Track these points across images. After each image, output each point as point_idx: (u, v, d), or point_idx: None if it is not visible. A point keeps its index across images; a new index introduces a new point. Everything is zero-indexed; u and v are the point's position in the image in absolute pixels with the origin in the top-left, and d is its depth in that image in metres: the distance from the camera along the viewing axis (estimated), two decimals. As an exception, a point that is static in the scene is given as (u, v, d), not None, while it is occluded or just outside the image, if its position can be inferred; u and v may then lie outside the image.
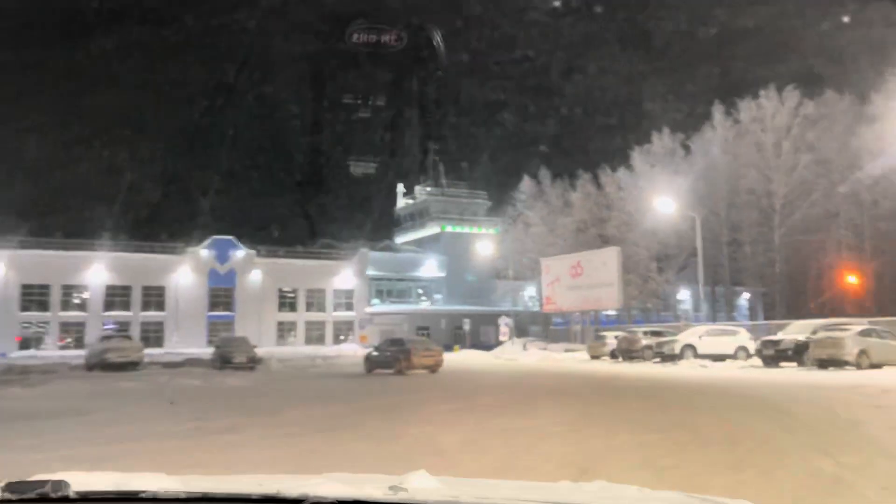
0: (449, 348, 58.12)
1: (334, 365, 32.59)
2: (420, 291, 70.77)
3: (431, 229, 72.30)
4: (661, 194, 37.33)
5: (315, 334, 60.96)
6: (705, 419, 10.21)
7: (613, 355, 32.05)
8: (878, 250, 43.86)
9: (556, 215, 51.18)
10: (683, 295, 66.76)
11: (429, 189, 74.36)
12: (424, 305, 67.92)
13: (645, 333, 31.08)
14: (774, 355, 23.59)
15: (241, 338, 32.89)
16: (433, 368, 24.05)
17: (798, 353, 22.93)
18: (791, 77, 45.29)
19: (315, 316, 60.87)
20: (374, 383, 20.39)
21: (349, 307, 62.20)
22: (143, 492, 1.67)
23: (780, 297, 45.67)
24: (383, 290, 67.99)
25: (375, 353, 25.67)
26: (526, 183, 54.77)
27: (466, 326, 50.71)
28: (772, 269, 46.18)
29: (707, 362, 26.33)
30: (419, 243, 73.54)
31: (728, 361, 26.90)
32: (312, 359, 34.86)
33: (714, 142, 48.12)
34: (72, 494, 1.64)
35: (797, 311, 46.96)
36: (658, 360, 28.59)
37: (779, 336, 23.93)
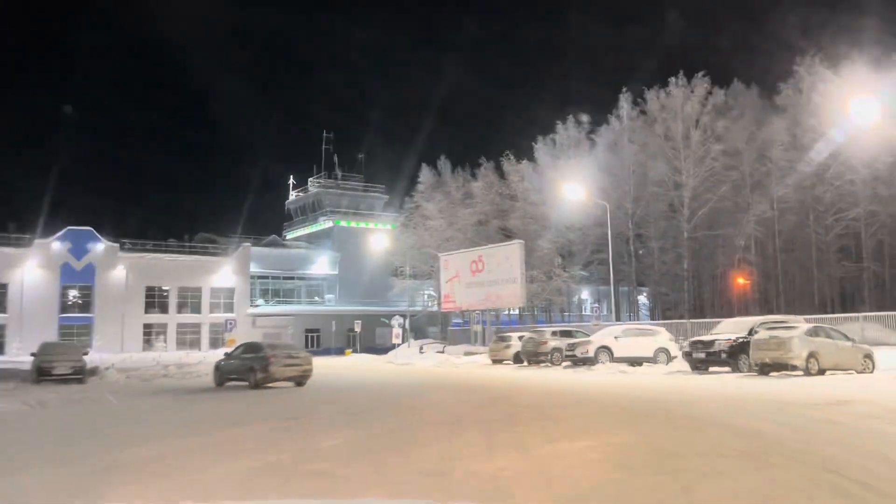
0: (340, 352, 53.07)
1: (190, 373, 26.90)
2: (311, 291, 65.28)
3: (323, 224, 66.86)
4: (567, 184, 33.65)
5: (189, 338, 54.31)
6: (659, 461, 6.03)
7: (518, 359, 28.01)
8: (787, 247, 41.98)
9: (456, 207, 46.96)
10: (585, 294, 64.28)
11: (321, 181, 68.87)
12: (316, 306, 62.37)
13: (553, 334, 27.10)
14: (705, 359, 20.02)
15: (65, 343, 26.94)
16: (299, 380, 19.07)
17: (733, 355, 19.42)
18: (700, 68, 42.86)
19: (189, 318, 54.23)
20: (205, 404, 15.25)
21: (229, 308, 55.88)
22: None
23: (688, 295, 43.15)
24: (269, 289, 62.01)
25: (230, 362, 20.33)
26: (424, 172, 50.36)
27: (357, 328, 45.73)
28: (679, 266, 43.63)
29: (625, 367, 22.58)
30: (311, 239, 67.93)
31: (646, 366, 23.29)
32: (165, 367, 28.95)
33: (622, 132, 45.26)
34: None
35: (701, 311, 44.55)
36: (569, 364, 24.70)
37: (710, 336, 20.34)
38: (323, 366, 37.57)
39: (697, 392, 14.63)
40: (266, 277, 61.28)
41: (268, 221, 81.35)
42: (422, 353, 42.57)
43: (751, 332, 19.73)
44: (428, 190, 49.64)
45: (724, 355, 19.50)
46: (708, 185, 41.95)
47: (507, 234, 42.60)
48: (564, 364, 25.21)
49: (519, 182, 42.54)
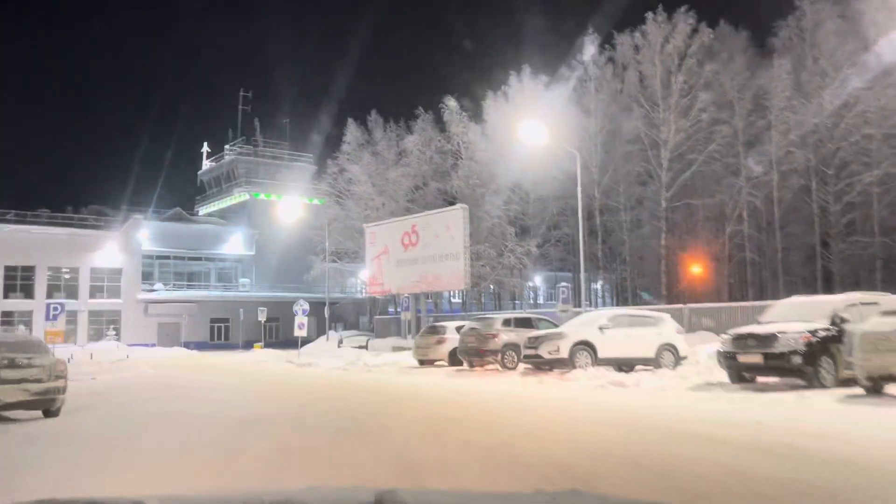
0: (250, 346, 43.96)
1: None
2: (223, 274, 55.72)
3: (239, 197, 57.36)
4: (526, 124, 25.22)
5: (66, 329, 44.26)
6: None
7: (455, 359, 19.62)
8: (787, 218, 34.51)
9: (387, 170, 38.24)
10: (538, 281, 56.31)
11: (238, 148, 59.24)
12: (225, 292, 52.89)
13: (506, 323, 18.49)
14: (763, 365, 11.89)
15: None
16: (46, 405, 10.23)
17: (812, 360, 11.36)
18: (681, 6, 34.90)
19: (66, 304, 44.14)
20: None
21: (115, 292, 46.08)
22: None
23: (666, 277, 35.35)
24: (171, 271, 52.23)
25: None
26: (351, 129, 41.36)
27: (262, 317, 36.71)
28: (655, 242, 35.85)
29: (620, 376, 14.37)
30: (225, 215, 58.32)
31: (644, 371, 15.18)
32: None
33: (586, 82, 37.14)
34: None
35: (677, 298, 36.85)
36: (529, 367, 16.38)
37: (770, 327, 12.13)
38: (194, 365, 28.74)
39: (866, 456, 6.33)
40: (167, 258, 51.52)
41: (180, 197, 70.69)
42: (340, 347, 33.90)
43: (834, 322, 11.70)
44: (355, 150, 40.77)
45: (797, 359, 11.37)
46: (693, 142, 34.21)
47: (448, 201, 34.10)
48: (522, 367, 16.87)
49: (462, 134, 33.99)
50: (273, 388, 16.39)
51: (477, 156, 33.12)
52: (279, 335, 51.54)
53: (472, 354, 18.10)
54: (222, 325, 49.91)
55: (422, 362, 20.64)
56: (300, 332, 27.96)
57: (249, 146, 58.65)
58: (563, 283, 22.52)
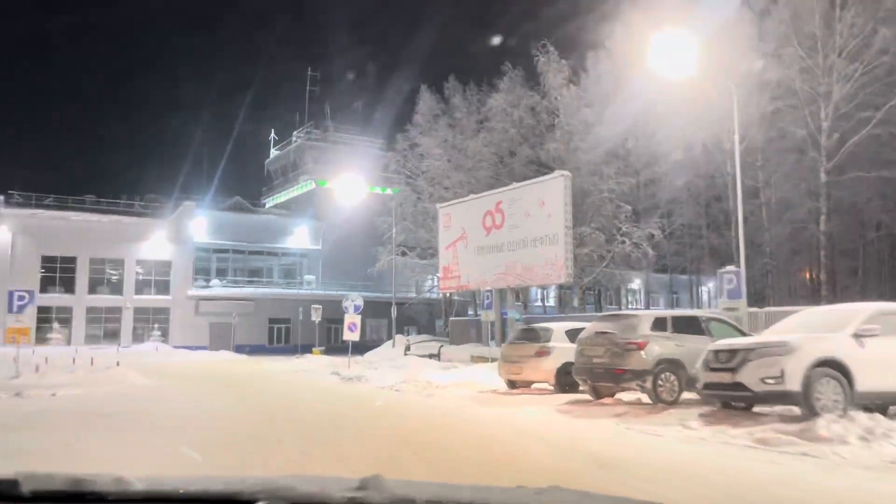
0: (307, 349, 37.82)
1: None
2: (287, 270, 50.13)
3: (304, 186, 51.60)
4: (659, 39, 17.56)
5: (107, 328, 39.49)
6: None
7: (565, 381, 12.32)
8: None
9: (465, 140, 31.27)
10: (635, 284, 48.12)
11: (306, 134, 53.64)
12: (287, 289, 47.17)
13: (659, 325, 10.71)
14: None
15: None
16: None
17: None
18: None
19: (105, 300, 39.32)
20: None
21: (163, 288, 40.94)
22: (99, 492, 1.63)
23: (825, 271, 26.82)
24: (229, 266, 46.95)
25: None
26: (424, 98, 34.63)
27: (316, 316, 30.30)
28: (814, 227, 27.43)
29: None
30: (290, 206, 52.76)
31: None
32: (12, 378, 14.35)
33: (721, 24, 28.98)
34: (25, 493, 1.59)
35: (835, 297, 28.05)
36: (714, 404, 9.00)
37: None
38: (219, 375, 22.64)
39: None
40: (226, 251, 46.26)
41: (248, 189, 65.24)
42: (406, 355, 27.12)
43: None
44: (428, 122, 34.02)
45: None
46: (866, 96, 25.72)
47: (542, 171, 26.68)
48: (702, 410, 9.37)
49: (562, 87, 26.47)
50: (278, 422, 9.61)
51: (579, 115, 25.61)
52: (341, 338, 45.69)
53: (599, 376, 10.67)
54: (282, 326, 44.10)
55: (512, 384, 13.38)
56: (351, 336, 21.23)
57: (318, 131, 52.94)
58: (730, 268, 14.75)
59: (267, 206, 55.67)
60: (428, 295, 50.33)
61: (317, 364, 26.44)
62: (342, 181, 49.81)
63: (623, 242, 24.13)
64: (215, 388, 16.87)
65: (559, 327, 13.04)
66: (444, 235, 28.38)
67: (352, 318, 21.21)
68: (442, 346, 27.18)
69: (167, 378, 19.70)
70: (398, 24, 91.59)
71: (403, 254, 34.82)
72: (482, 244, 26.06)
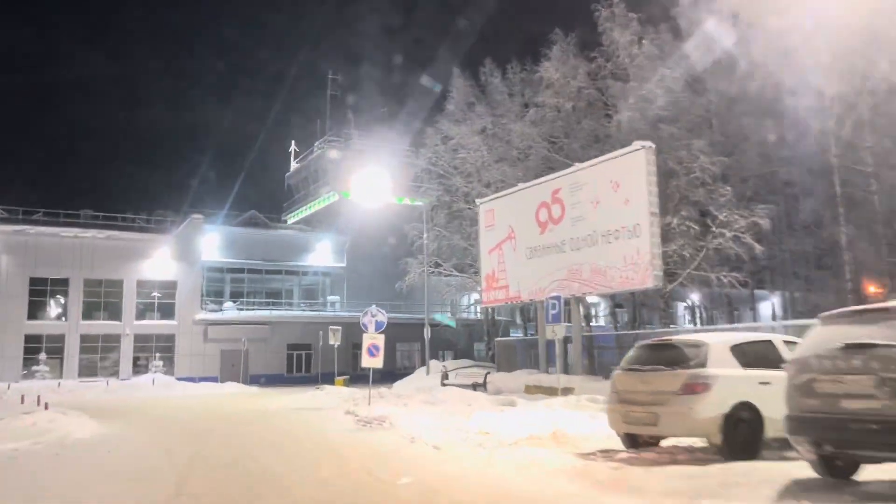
0: (329, 378, 32.46)
1: None
2: (308, 290, 45.11)
3: (328, 199, 46.69)
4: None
5: (104, 357, 34.63)
6: None
7: (738, 438, 6.82)
8: None
9: (508, 122, 25.98)
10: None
11: (328, 143, 48.88)
12: (309, 311, 42.07)
13: None
14: None
15: None
16: None
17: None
18: None
19: (102, 326, 34.52)
20: None
21: (168, 312, 36.07)
22: None
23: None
24: (243, 288, 42.03)
25: None
26: (457, 86, 29.47)
27: (335, 340, 24.97)
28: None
29: None
30: (312, 220, 47.88)
31: None
32: None
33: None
34: None
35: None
36: None
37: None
38: (201, 413, 17.52)
39: None
40: (240, 270, 41.35)
41: (267, 205, 59.72)
42: (444, 385, 21.67)
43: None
44: (462, 110, 28.84)
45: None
46: None
47: (607, 152, 21.13)
48: None
49: (632, 44, 20.86)
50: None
51: (657, 77, 20.07)
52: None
53: (862, 437, 5.14)
54: (302, 353, 38.88)
55: (632, 441, 7.79)
56: (371, 361, 15.85)
57: (339, 139, 48.16)
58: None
59: (288, 222, 50.92)
60: (465, 315, 44.98)
61: (335, 398, 20.98)
62: (367, 191, 44.82)
63: (718, 237, 18.44)
64: (175, 440, 11.61)
65: (719, 341, 7.50)
66: (487, 237, 23.02)
67: (372, 339, 15.85)
68: (488, 373, 21.67)
69: (126, 422, 14.54)
70: (423, 16, 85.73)
71: (437, 265, 29.45)
72: (535, 244, 20.67)
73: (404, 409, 15.46)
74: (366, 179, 44.95)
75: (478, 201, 23.46)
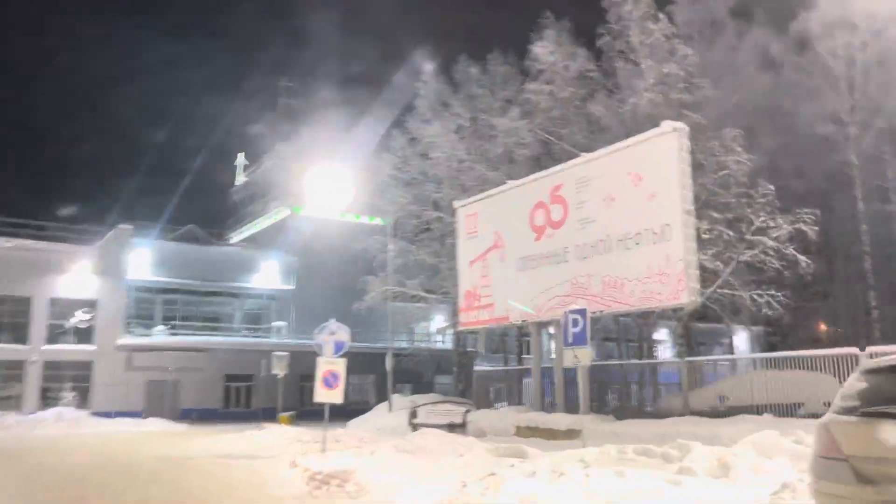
0: (272, 414, 27.83)
1: None
2: (251, 315, 40.42)
3: (276, 214, 42.41)
4: None
5: (6, 388, 29.37)
6: None
7: None
8: None
9: (490, 116, 22.47)
10: (661, 333, 39.06)
11: (278, 154, 44.71)
12: (252, 338, 37.41)
13: None
14: None
15: None
16: None
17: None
18: None
19: (2, 351, 29.35)
20: None
21: (86, 336, 31.09)
22: None
23: None
24: (178, 311, 37.17)
25: None
26: (428, 84, 25.92)
27: (280, 369, 20.69)
28: None
29: None
30: (259, 238, 43.40)
31: None
32: None
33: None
34: None
35: None
36: None
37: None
38: (115, 462, 13.07)
39: None
40: (175, 290, 36.49)
41: (212, 224, 53.83)
42: (414, 425, 17.65)
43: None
44: (431, 108, 25.27)
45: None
46: None
47: (605, 138, 17.68)
48: None
49: (647, 18, 17.51)
50: None
51: (677, 56, 16.78)
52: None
53: None
54: (242, 385, 34.17)
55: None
56: (328, 395, 11.83)
57: (292, 150, 43.97)
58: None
59: (231, 241, 46.28)
60: (432, 343, 40.99)
61: (279, 440, 16.58)
62: (321, 207, 40.69)
63: (755, 246, 15.02)
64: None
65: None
66: (467, 246, 19.26)
67: (330, 365, 11.83)
68: (468, 410, 17.71)
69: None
70: (387, 11, 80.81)
71: (401, 284, 25.51)
72: (529, 253, 16.98)
73: (371, 459, 11.45)
74: (320, 193, 40.82)
75: (456, 204, 19.72)
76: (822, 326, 28.77)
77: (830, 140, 20.49)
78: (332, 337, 12.09)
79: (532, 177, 17.43)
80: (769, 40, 17.80)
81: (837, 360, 11.93)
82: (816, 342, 23.81)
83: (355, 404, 36.86)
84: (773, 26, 17.82)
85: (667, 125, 13.73)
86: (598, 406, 16.98)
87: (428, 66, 25.82)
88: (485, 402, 20.39)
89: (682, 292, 13.35)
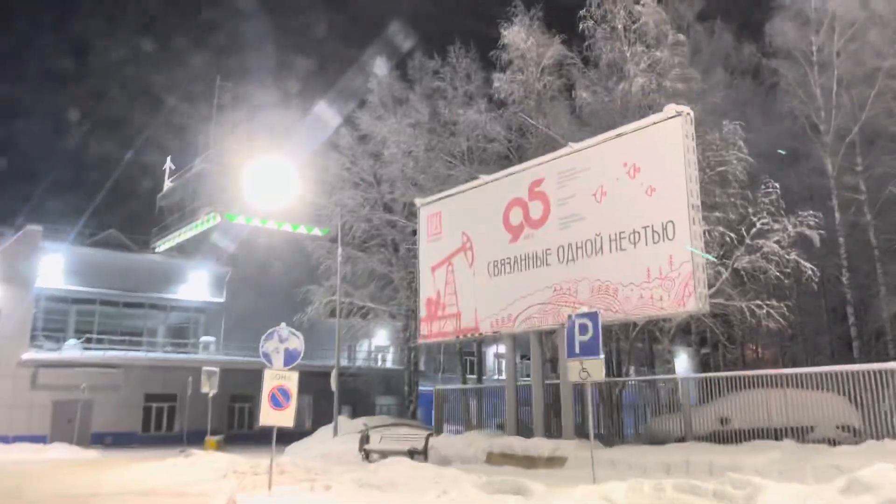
0: (199, 439, 24.78)
1: None
2: (177, 329, 37.02)
3: (207, 221, 39.31)
4: None
5: None
6: None
7: None
8: None
9: (453, 109, 20.54)
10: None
11: (210, 158, 41.75)
12: (178, 354, 34.07)
13: None
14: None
15: None
16: None
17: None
18: None
19: None
20: None
21: (-17, 350, 27.37)
22: None
23: None
24: (94, 324, 33.49)
25: None
26: (379, 79, 23.85)
27: (209, 387, 17.99)
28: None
29: None
30: (187, 248, 40.12)
31: None
32: None
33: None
34: None
35: None
36: None
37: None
38: None
39: None
40: (91, 301, 32.91)
41: (136, 228, 49.11)
42: (366, 451, 15.33)
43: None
44: (384, 103, 23.18)
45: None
46: None
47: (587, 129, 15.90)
48: None
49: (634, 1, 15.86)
50: None
51: (669, 41, 15.23)
52: (256, 422, 33.12)
53: None
54: (164, 405, 30.92)
55: None
56: (277, 417, 9.51)
57: (226, 153, 41.03)
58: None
59: (160, 250, 42.73)
60: (372, 362, 38.56)
61: (208, 470, 13.94)
62: (258, 213, 38.12)
63: (754, 251, 13.47)
64: None
65: None
66: (430, 250, 17.17)
67: (279, 378, 9.52)
68: (430, 434, 15.47)
69: None
70: (335, 6, 76.82)
71: (348, 295, 23.11)
72: (503, 256, 15.02)
73: (330, 497, 9.16)
74: (256, 199, 38.03)
75: (418, 202, 17.61)
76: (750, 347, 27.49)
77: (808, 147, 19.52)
78: (282, 345, 9.78)
79: (507, 171, 15.52)
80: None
81: (876, 375, 10.38)
82: (741, 364, 22.58)
83: (288, 427, 34.22)
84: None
85: (670, 108, 12.08)
86: (577, 429, 15.08)
87: (381, 60, 23.75)
88: (450, 423, 18.24)
89: (689, 298, 11.61)
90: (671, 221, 11.98)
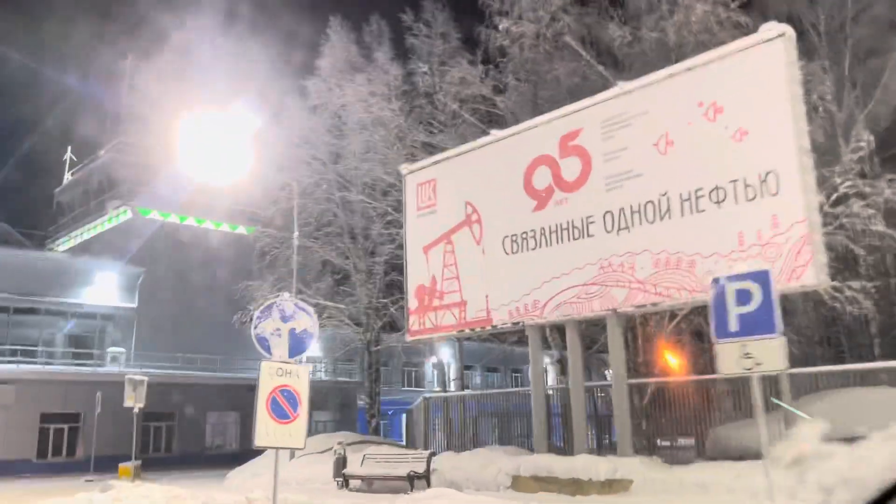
0: (111, 465, 19.84)
1: None
2: (80, 338, 31.81)
3: (117, 216, 34.38)
4: None
5: None
6: None
7: None
8: None
9: (433, 69, 17.36)
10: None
11: (119, 146, 36.69)
12: (83, 367, 29.02)
13: None
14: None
15: None
16: None
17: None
18: None
19: None
20: None
21: None
22: None
23: None
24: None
25: None
26: (333, 41, 20.42)
27: (134, 400, 14.00)
28: None
29: None
30: (93, 247, 34.92)
31: None
32: None
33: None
34: None
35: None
36: None
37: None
38: None
39: None
40: (-26, 306, 27.63)
41: (37, 226, 42.30)
42: (346, 478, 11.81)
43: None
44: (340, 69, 19.76)
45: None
46: None
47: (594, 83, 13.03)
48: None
49: None
50: None
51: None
52: (175, 444, 28.82)
53: None
54: (64, 426, 25.99)
55: None
56: (280, 435, 6.04)
57: (137, 140, 36.09)
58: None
59: (61, 249, 37.20)
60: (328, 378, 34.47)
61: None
62: (178, 206, 33.67)
63: (840, 217, 10.92)
64: None
65: None
66: (421, 226, 13.86)
67: (284, 377, 6.05)
68: (433, 453, 12.12)
69: None
70: None
71: (299, 291, 19.42)
72: (525, 229, 11.95)
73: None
74: (176, 190, 33.51)
75: (404, 168, 14.27)
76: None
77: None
78: (285, 325, 6.31)
79: (528, 123, 12.44)
80: None
81: None
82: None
83: (214, 448, 29.85)
84: None
85: (770, 28, 9.37)
86: (607, 445, 12.13)
87: (336, 16, 20.33)
88: (421, 442, 14.90)
89: (806, 268, 8.87)
90: (772, 172, 9.24)
